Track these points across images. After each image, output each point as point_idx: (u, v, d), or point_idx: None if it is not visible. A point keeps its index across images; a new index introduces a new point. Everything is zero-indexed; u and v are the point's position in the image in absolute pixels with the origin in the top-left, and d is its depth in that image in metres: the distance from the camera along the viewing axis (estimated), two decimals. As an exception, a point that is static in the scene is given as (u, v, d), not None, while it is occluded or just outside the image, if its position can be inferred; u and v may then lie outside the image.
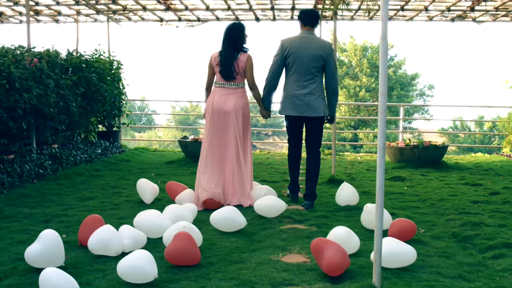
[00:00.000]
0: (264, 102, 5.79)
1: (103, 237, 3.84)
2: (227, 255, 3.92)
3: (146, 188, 5.74)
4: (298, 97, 5.48)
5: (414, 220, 4.81)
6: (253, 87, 5.75)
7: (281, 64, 5.58)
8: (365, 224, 4.74)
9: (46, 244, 3.53)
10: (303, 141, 5.87)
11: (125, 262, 3.37)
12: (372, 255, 3.45)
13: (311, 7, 10.06)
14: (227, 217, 4.55)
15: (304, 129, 5.77)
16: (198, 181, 5.68)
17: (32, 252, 3.54)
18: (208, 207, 5.46)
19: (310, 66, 5.47)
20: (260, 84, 5.80)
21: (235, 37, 5.62)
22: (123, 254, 3.77)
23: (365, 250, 4.06)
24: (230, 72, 5.60)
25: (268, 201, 5.13)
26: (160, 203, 5.64)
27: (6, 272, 3.46)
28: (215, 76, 5.77)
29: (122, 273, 3.35)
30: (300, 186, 6.05)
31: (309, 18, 5.61)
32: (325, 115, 5.57)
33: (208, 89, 5.87)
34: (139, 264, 3.33)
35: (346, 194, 5.74)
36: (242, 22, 10.47)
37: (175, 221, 4.36)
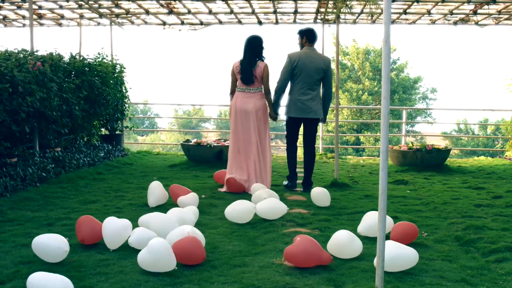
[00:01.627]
0: (275, 106, 6.78)
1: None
2: (230, 259, 3.91)
3: (156, 192, 5.73)
4: (303, 102, 6.55)
5: (417, 224, 4.80)
6: (268, 92, 6.71)
7: (290, 74, 6.60)
8: (362, 232, 4.65)
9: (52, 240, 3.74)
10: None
11: (145, 254, 3.59)
12: (375, 260, 3.44)
13: (313, 10, 10.07)
14: (239, 209, 5.00)
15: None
16: (229, 168, 6.80)
17: (39, 242, 3.73)
18: (231, 187, 6.58)
19: (313, 77, 6.55)
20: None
21: (255, 48, 6.62)
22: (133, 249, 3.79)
23: (367, 254, 4.05)
24: (249, 78, 6.57)
25: (270, 203, 5.15)
26: (163, 206, 5.64)
27: (9, 275, 3.46)
28: (237, 82, 6.73)
29: (144, 265, 3.59)
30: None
31: (313, 37, 6.68)
32: (320, 117, 6.69)
33: (232, 93, 6.84)
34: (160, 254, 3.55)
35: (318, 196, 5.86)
36: (244, 24, 10.51)
37: (178, 223, 4.37)
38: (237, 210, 5.02)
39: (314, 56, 6.60)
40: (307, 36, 6.66)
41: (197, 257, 3.70)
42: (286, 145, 6.98)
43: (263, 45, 6.67)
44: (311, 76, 6.52)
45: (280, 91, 6.66)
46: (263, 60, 6.64)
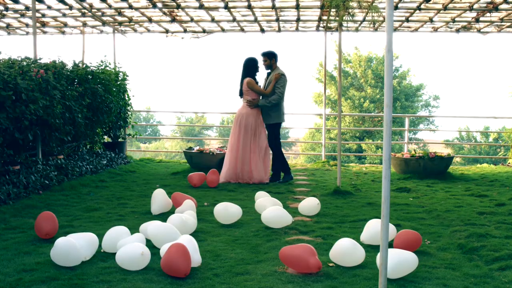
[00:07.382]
0: (264, 105, 8.06)
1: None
2: (232, 267, 3.91)
3: (159, 199, 5.73)
4: (284, 109, 8.28)
5: (419, 232, 4.79)
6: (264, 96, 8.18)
7: None
8: (365, 240, 4.66)
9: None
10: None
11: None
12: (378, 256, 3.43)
13: (316, 18, 10.11)
14: (227, 211, 5.32)
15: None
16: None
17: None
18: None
19: None
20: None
21: (244, 68, 8.13)
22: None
23: (370, 262, 4.04)
24: (240, 91, 8.24)
25: (275, 212, 5.14)
26: (166, 214, 5.63)
27: (12, 283, 3.45)
28: None
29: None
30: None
31: (277, 59, 8.20)
32: None
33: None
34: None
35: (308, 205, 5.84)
36: (247, 32, 10.56)
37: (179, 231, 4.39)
38: (227, 211, 5.31)
39: None
40: (275, 58, 8.18)
41: (179, 271, 3.64)
42: (280, 149, 8.28)
43: (253, 66, 8.12)
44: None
45: (278, 102, 8.02)
46: (252, 77, 8.10)
